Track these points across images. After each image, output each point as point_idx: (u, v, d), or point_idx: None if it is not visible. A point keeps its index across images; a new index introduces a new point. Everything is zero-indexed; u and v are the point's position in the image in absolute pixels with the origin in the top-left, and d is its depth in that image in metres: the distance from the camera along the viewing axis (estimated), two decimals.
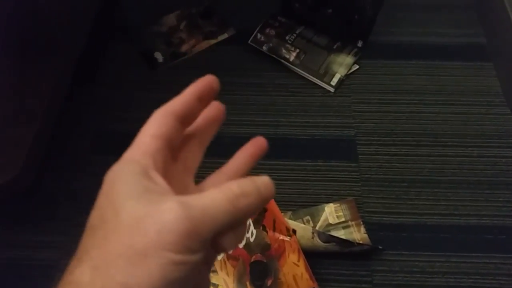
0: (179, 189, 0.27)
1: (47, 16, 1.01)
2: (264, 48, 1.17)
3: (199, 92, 0.29)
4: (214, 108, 0.31)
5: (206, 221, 0.23)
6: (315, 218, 0.91)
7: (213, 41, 1.21)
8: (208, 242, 0.23)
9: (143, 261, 0.21)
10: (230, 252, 0.83)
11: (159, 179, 0.25)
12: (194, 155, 0.31)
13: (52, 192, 0.97)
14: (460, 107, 1.08)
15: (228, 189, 0.24)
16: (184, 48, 1.20)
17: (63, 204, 0.95)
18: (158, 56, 1.18)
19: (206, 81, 0.30)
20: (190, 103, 0.29)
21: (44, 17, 1.01)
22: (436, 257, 0.88)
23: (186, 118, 0.29)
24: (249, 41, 1.18)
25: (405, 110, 1.08)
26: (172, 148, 0.28)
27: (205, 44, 1.20)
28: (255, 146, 0.31)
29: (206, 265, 0.28)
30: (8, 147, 0.83)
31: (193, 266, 0.23)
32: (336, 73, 1.13)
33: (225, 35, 1.22)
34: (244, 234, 0.26)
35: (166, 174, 0.26)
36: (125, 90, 1.13)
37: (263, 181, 0.26)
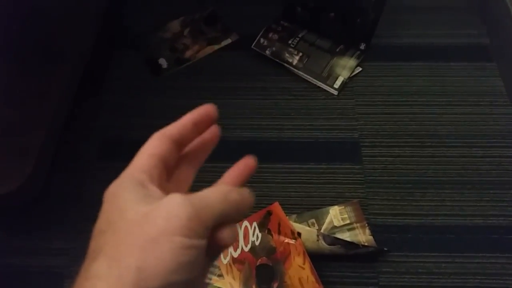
0: None
1: (53, 23, 1.02)
2: (267, 52, 1.17)
3: (196, 120, 0.31)
4: (209, 132, 0.33)
5: (205, 207, 0.25)
6: (320, 221, 0.91)
7: (216, 47, 1.22)
8: (209, 230, 0.25)
9: (155, 246, 0.23)
10: (235, 256, 0.83)
11: (155, 189, 0.27)
12: (186, 176, 0.33)
13: (60, 198, 0.98)
14: (464, 108, 1.08)
15: (219, 186, 0.28)
16: (188, 54, 1.21)
17: (71, 211, 0.96)
18: (163, 62, 1.19)
19: (204, 110, 0.32)
20: (186, 129, 0.31)
21: (50, 24, 1.02)
22: (442, 257, 0.88)
23: (181, 141, 0.31)
24: (252, 46, 1.19)
25: (408, 111, 1.08)
26: (167, 168, 0.30)
27: (209, 49, 1.22)
28: (244, 165, 0.33)
29: (206, 265, 0.29)
30: (16, 155, 0.84)
31: (200, 251, 0.24)
32: (339, 76, 1.13)
33: (229, 41, 1.23)
34: (237, 232, 0.29)
35: (162, 191, 0.28)
36: (130, 96, 1.14)
37: (244, 189, 0.29)
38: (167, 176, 0.31)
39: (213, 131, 0.34)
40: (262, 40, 1.20)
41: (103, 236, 0.25)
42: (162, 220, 0.24)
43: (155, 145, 0.29)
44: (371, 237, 0.90)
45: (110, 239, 0.24)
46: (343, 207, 0.93)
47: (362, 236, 0.90)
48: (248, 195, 0.29)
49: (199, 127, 0.32)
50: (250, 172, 0.33)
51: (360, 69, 1.15)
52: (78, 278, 0.24)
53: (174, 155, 0.31)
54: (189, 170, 0.33)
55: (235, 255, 0.84)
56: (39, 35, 1.01)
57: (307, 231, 0.86)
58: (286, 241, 0.83)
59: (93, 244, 0.25)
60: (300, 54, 1.17)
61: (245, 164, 0.33)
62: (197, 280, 0.26)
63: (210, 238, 0.26)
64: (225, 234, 0.27)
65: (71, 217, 0.95)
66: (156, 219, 0.24)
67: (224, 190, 0.27)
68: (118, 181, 0.27)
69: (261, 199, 0.92)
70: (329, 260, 0.87)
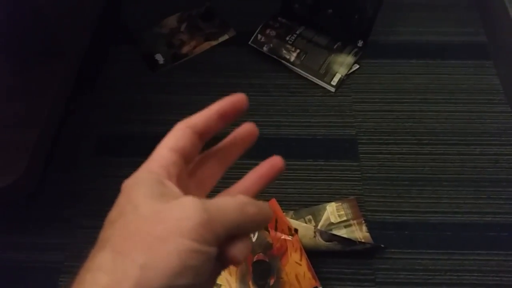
0: None
1: (49, 19, 1.02)
2: (265, 48, 1.17)
3: (222, 110, 0.30)
4: (245, 130, 0.32)
5: (219, 215, 0.24)
6: (317, 217, 0.91)
7: (213, 43, 1.22)
8: (221, 240, 0.24)
9: (162, 245, 0.22)
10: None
11: (174, 187, 0.26)
12: (211, 175, 0.31)
13: (56, 194, 0.97)
14: (461, 106, 1.08)
15: (237, 197, 0.26)
16: (185, 49, 1.20)
17: (67, 206, 0.95)
18: (159, 58, 1.19)
19: (232, 100, 0.30)
20: (211, 120, 0.29)
21: (46, 20, 1.01)
22: (438, 254, 0.88)
23: (206, 134, 0.29)
24: (249, 42, 1.18)
25: (406, 109, 1.08)
26: (188, 163, 0.29)
27: (206, 45, 1.21)
28: (269, 166, 0.31)
29: (214, 272, 0.28)
30: (12, 150, 0.83)
31: (207, 258, 0.23)
32: (336, 73, 1.13)
33: (226, 37, 1.22)
34: (250, 247, 0.27)
35: (180, 187, 0.27)
36: (127, 92, 1.13)
37: (264, 202, 0.27)
38: (189, 171, 0.30)
39: (250, 129, 0.32)
40: (259, 36, 1.19)
41: (112, 226, 0.24)
42: (173, 221, 0.23)
43: (177, 138, 0.28)
44: (367, 234, 0.89)
45: (118, 231, 0.24)
46: (340, 203, 0.93)
47: (359, 232, 0.90)
48: (266, 210, 0.27)
49: (226, 119, 0.30)
50: (275, 174, 0.31)
51: (358, 66, 1.15)
52: (82, 267, 0.24)
53: (197, 148, 0.29)
54: (216, 169, 0.32)
55: None
56: (35, 31, 1.00)
57: (304, 228, 0.86)
58: (283, 237, 0.83)
59: (102, 234, 0.25)
60: (298, 50, 1.16)
61: (271, 164, 0.31)
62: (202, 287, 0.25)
63: (222, 248, 0.25)
64: (236, 250, 0.26)
65: (67, 212, 0.94)
66: (168, 218, 0.23)
67: (242, 202, 0.26)
68: (136, 174, 0.26)
69: (258, 196, 0.91)
70: (326, 256, 0.87)
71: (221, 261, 0.26)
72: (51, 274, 0.87)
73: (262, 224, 0.27)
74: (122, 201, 0.25)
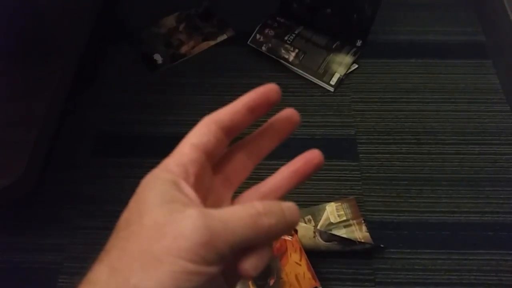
0: (212, 203, 0.27)
1: (48, 18, 1.01)
2: (263, 48, 1.17)
3: (252, 103, 0.27)
4: (284, 118, 0.29)
5: (224, 233, 0.22)
6: (316, 217, 0.91)
7: (212, 42, 1.21)
8: (226, 257, 0.23)
9: (157, 266, 0.21)
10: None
11: (188, 190, 0.24)
12: (240, 168, 0.29)
13: (55, 194, 0.97)
14: (460, 105, 1.08)
15: (251, 206, 0.24)
16: (184, 49, 1.20)
17: (65, 207, 0.95)
18: (158, 57, 1.18)
19: (262, 92, 0.27)
20: (240, 115, 0.27)
21: (45, 19, 1.01)
22: (438, 254, 0.88)
23: (233, 130, 0.27)
24: (248, 42, 1.18)
25: (405, 108, 1.08)
26: (213, 159, 0.27)
27: (205, 45, 1.21)
28: (305, 161, 0.28)
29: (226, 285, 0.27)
30: (10, 150, 0.83)
31: (207, 279, 0.22)
32: (335, 72, 1.13)
33: (224, 36, 1.22)
34: (267, 259, 0.24)
35: (202, 185, 0.26)
36: (125, 92, 1.13)
37: (289, 206, 0.25)
38: (215, 167, 0.28)
39: (289, 116, 0.29)
40: (258, 36, 1.19)
41: (117, 236, 0.24)
42: (171, 238, 0.22)
43: (201, 133, 0.26)
44: (367, 234, 0.89)
45: (120, 243, 0.23)
46: (339, 203, 0.93)
47: (359, 232, 0.89)
48: (288, 217, 0.24)
49: (256, 113, 0.27)
50: (312, 170, 0.28)
51: (357, 65, 1.15)
52: (85, 276, 0.23)
53: (222, 144, 0.27)
54: (245, 163, 0.29)
55: None
56: (33, 30, 0.99)
57: (304, 228, 0.86)
58: (282, 237, 0.83)
59: (109, 241, 0.24)
60: (296, 50, 1.16)
61: (308, 159, 0.28)
62: None
63: (232, 263, 0.23)
64: (247, 264, 0.23)
65: (66, 213, 0.94)
66: (166, 236, 0.22)
67: (256, 213, 0.23)
68: (154, 170, 0.25)
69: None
70: (325, 256, 0.87)
71: (230, 276, 0.24)
72: (50, 274, 0.87)
73: (282, 234, 0.24)
74: (132, 205, 0.24)
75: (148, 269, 0.21)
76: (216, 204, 0.27)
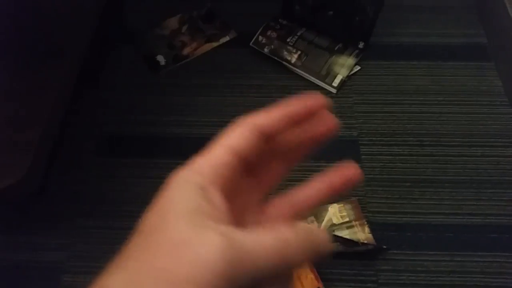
0: (239, 206, 0.26)
1: (51, 20, 1.02)
2: (266, 50, 1.17)
3: (295, 114, 0.26)
4: (322, 123, 0.27)
5: (247, 265, 0.21)
6: (319, 219, 0.91)
7: (215, 44, 1.21)
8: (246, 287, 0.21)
9: (168, 284, 0.20)
10: None
11: (217, 198, 0.23)
12: (274, 172, 0.28)
13: (59, 194, 0.97)
14: (462, 107, 1.08)
15: (280, 233, 0.22)
16: (186, 51, 1.20)
17: (69, 206, 0.95)
18: (161, 59, 1.19)
19: (309, 103, 0.26)
20: (282, 123, 0.26)
21: (48, 21, 1.01)
22: (440, 256, 0.88)
23: (273, 137, 0.26)
24: (250, 44, 1.18)
25: (407, 110, 1.08)
26: (248, 163, 0.26)
27: (207, 47, 1.21)
28: (343, 177, 0.27)
29: None
30: (14, 150, 0.83)
31: None
32: (337, 74, 1.13)
33: (227, 38, 1.22)
34: (290, 285, 0.24)
35: (233, 188, 0.25)
36: (128, 93, 1.13)
37: (321, 235, 0.24)
38: (249, 170, 0.26)
39: (328, 122, 0.27)
40: (260, 38, 1.19)
41: (138, 242, 0.23)
42: (188, 265, 0.20)
43: (239, 136, 0.25)
44: (370, 235, 0.89)
45: (139, 254, 0.22)
46: (342, 205, 0.93)
47: (361, 234, 0.89)
48: (320, 247, 0.23)
49: (298, 123, 0.26)
50: (348, 186, 0.27)
51: (359, 67, 1.15)
52: (98, 278, 0.22)
53: (259, 149, 0.25)
54: (280, 166, 0.28)
55: None
56: (37, 31, 1.00)
57: None
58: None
59: (129, 245, 0.23)
60: (299, 52, 1.16)
61: (347, 175, 0.27)
62: None
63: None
64: None
65: (69, 212, 0.94)
66: (184, 259, 0.21)
67: (283, 244, 0.22)
68: (185, 170, 0.24)
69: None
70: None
71: None
72: (53, 273, 0.87)
73: (310, 261, 0.23)
74: (158, 207, 0.23)
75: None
76: (243, 208, 0.26)
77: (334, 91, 1.11)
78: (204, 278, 0.20)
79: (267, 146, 0.26)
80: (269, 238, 0.22)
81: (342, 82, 1.12)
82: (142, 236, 0.23)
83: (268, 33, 1.20)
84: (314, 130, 0.27)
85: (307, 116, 0.26)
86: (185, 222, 0.22)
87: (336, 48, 1.17)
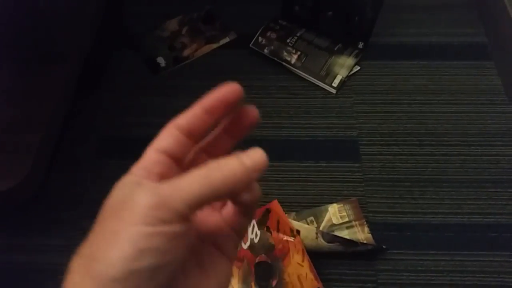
0: None
1: (52, 23, 1.02)
2: (266, 51, 1.17)
3: (208, 106, 0.29)
4: (242, 115, 0.30)
5: (177, 193, 0.24)
6: (318, 219, 0.91)
7: (215, 45, 1.22)
8: (186, 214, 0.24)
9: (116, 239, 0.24)
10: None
11: (149, 183, 0.27)
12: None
13: (59, 196, 0.98)
14: (462, 107, 1.08)
15: (207, 165, 0.26)
16: (186, 52, 1.21)
17: (69, 208, 0.95)
18: (161, 60, 1.19)
19: (220, 93, 0.29)
20: (196, 117, 0.29)
21: (49, 24, 1.02)
22: (440, 255, 0.88)
23: (193, 131, 0.29)
24: (250, 45, 1.19)
25: (407, 110, 1.08)
26: (179, 160, 0.29)
27: (207, 48, 1.21)
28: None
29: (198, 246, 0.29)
30: (15, 152, 0.84)
31: (170, 237, 0.24)
32: (337, 74, 1.13)
33: (227, 39, 1.23)
34: (256, 193, 0.28)
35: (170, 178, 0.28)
36: (129, 95, 1.14)
37: (249, 153, 0.27)
38: (184, 166, 0.29)
39: (246, 113, 0.30)
40: (260, 39, 1.20)
41: (94, 226, 0.26)
42: (127, 215, 0.24)
43: (163, 138, 0.29)
44: (369, 235, 0.90)
45: (93, 233, 0.26)
46: (342, 205, 0.93)
47: (361, 234, 0.90)
48: (250, 162, 0.26)
49: (215, 114, 0.29)
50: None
51: (359, 67, 1.15)
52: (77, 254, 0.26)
53: (186, 146, 0.29)
54: (208, 158, 0.31)
55: None
56: (38, 34, 1.00)
57: (306, 229, 0.86)
58: (285, 238, 0.83)
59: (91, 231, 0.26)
60: (299, 53, 1.17)
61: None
62: (184, 265, 0.26)
63: (190, 217, 0.25)
64: (244, 197, 0.28)
65: (69, 214, 0.94)
66: (123, 212, 0.24)
67: (205, 170, 0.25)
68: (123, 177, 0.27)
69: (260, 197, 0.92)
70: (328, 257, 0.87)
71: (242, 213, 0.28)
72: (52, 275, 0.87)
73: (249, 178, 0.26)
74: (104, 208, 0.27)
75: (108, 241, 0.24)
76: None
77: (334, 91, 1.11)
78: (139, 214, 0.24)
79: (195, 140, 0.29)
80: (192, 172, 0.25)
81: (342, 82, 1.12)
82: (96, 222, 0.26)
83: (268, 34, 1.20)
84: (235, 124, 0.30)
85: (219, 107, 0.29)
86: (121, 192, 0.26)
87: (335, 49, 1.18)
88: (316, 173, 0.99)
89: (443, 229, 0.91)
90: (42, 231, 0.93)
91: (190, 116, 0.29)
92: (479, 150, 1.01)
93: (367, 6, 1.12)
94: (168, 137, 0.28)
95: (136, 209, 0.24)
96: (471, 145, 1.02)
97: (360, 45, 1.17)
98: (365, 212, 0.93)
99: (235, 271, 0.82)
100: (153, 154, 0.28)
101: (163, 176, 0.28)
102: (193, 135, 0.29)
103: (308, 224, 0.90)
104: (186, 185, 0.25)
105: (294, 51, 1.17)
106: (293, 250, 0.82)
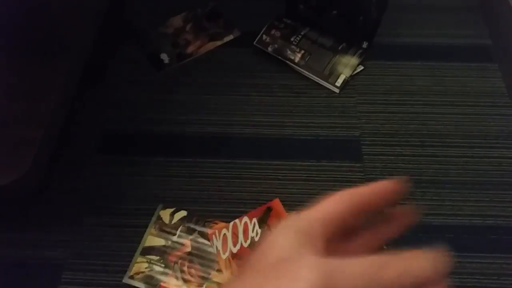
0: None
1: (56, 18, 1.02)
2: (269, 49, 1.17)
3: (375, 199, 0.29)
4: (405, 216, 0.31)
5: (342, 279, 0.22)
6: None
7: (218, 43, 1.22)
8: None
9: None
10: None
11: (317, 241, 0.25)
12: (369, 243, 0.31)
13: (60, 191, 0.98)
14: (465, 108, 1.08)
15: (376, 256, 0.24)
16: (190, 49, 1.21)
17: (71, 203, 0.96)
18: (164, 57, 1.19)
19: (388, 188, 0.29)
20: (373, 199, 0.29)
21: (53, 19, 1.02)
22: None
23: (364, 209, 0.28)
24: (254, 43, 1.19)
25: (410, 111, 1.08)
26: (340, 231, 0.28)
27: (211, 45, 1.21)
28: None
29: None
30: (17, 147, 0.84)
31: None
32: (341, 74, 1.13)
33: (231, 37, 1.23)
34: None
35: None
36: (132, 91, 1.14)
37: (423, 262, 0.25)
38: (343, 238, 0.29)
39: (408, 215, 0.31)
40: (264, 37, 1.20)
41: (245, 271, 0.24)
42: (285, 280, 0.22)
43: (333, 210, 0.27)
44: None
45: (243, 280, 0.24)
46: None
47: None
48: (416, 268, 0.24)
49: (385, 203, 0.29)
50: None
51: (362, 67, 1.15)
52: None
53: (351, 220, 0.28)
54: (359, 249, 0.30)
55: (234, 250, 0.84)
56: (41, 29, 1.00)
57: None
58: None
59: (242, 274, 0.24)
60: (302, 51, 1.17)
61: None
62: None
63: None
64: None
65: (71, 209, 0.95)
66: (282, 277, 0.22)
67: (377, 262, 0.23)
68: (289, 218, 0.26)
69: (262, 196, 0.92)
70: None
71: None
72: (54, 270, 0.88)
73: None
74: (260, 248, 0.25)
75: None
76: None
77: (337, 90, 1.11)
78: None
79: (357, 217, 0.28)
80: (363, 258, 0.23)
81: (345, 82, 1.12)
82: (244, 274, 0.24)
83: (272, 32, 1.20)
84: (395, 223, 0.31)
85: (386, 202, 0.29)
86: (287, 246, 0.24)
87: (339, 48, 1.18)
88: (318, 173, 0.99)
89: (443, 231, 0.91)
90: (43, 226, 0.93)
91: (369, 193, 0.29)
92: (481, 152, 1.01)
93: (372, 6, 1.12)
94: (342, 210, 0.27)
95: (299, 283, 0.21)
96: (473, 147, 1.02)
97: (364, 45, 1.17)
98: None
99: (235, 269, 0.83)
100: (332, 215, 0.27)
101: (327, 239, 0.26)
102: (360, 213, 0.28)
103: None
104: (352, 272, 0.22)
105: (298, 50, 1.17)
106: None
